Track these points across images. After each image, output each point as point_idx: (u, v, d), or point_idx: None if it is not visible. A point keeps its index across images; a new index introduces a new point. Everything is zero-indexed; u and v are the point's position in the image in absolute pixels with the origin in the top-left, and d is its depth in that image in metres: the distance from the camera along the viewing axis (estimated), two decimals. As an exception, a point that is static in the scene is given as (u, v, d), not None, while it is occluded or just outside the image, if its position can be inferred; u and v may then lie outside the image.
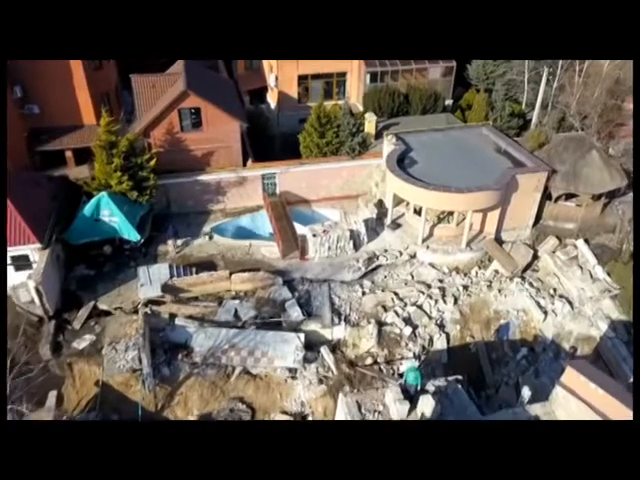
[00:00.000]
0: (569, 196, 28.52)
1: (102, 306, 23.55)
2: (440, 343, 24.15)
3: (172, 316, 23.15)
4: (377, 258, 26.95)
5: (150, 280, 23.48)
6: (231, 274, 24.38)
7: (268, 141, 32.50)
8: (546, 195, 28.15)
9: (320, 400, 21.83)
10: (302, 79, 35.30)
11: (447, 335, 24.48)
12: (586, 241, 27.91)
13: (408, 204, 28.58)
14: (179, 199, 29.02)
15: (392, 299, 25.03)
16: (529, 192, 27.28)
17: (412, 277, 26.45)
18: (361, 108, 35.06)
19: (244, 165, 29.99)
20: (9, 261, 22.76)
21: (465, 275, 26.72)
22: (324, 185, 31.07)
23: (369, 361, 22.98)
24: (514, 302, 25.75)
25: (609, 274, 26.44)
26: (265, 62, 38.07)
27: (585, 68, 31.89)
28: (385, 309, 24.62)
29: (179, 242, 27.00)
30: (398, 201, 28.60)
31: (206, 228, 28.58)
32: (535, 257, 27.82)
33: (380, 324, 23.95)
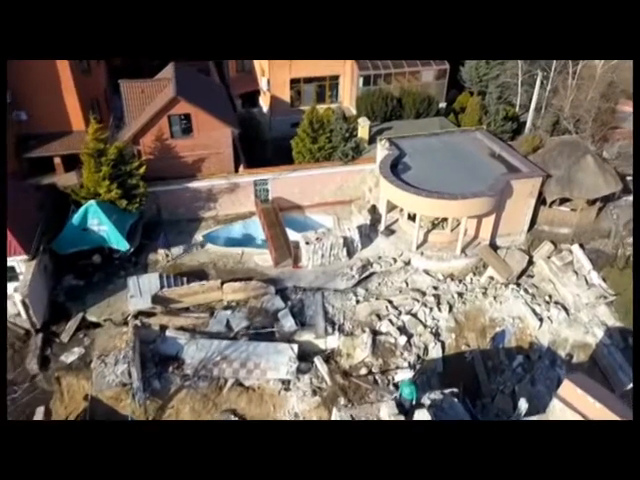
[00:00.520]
0: (564, 201, 28.34)
1: (91, 318, 23.07)
2: (435, 352, 23.85)
3: (163, 328, 22.67)
4: (371, 265, 26.62)
5: (140, 291, 23.07)
6: (223, 283, 24.00)
7: (260, 146, 32.06)
8: (541, 200, 27.95)
9: (314, 411, 21.43)
10: (294, 82, 34.96)
11: (442, 344, 24.20)
12: (581, 246, 27.74)
13: (402, 210, 28.29)
14: (170, 206, 28.55)
15: (386, 307, 24.73)
16: (524, 197, 27.05)
17: (406, 284, 26.15)
18: (354, 111, 34.71)
19: (236, 171, 29.57)
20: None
21: (460, 282, 26.46)
22: (317, 191, 30.73)
23: (364, 371, 22.64)
24: (509, 309, 25.50)
25: (604, 280, 26.28)
26: (257, 65, 37.60)
27: (578, 70, 31.69)
28: (379, 318, 24.30)
29: (174, 251, 26.54)
30: (392, 207, 28.28)
31: (198, 236, 28.15)
32: (530, 263, 27.60)
33: (374, 333, 23.62)
